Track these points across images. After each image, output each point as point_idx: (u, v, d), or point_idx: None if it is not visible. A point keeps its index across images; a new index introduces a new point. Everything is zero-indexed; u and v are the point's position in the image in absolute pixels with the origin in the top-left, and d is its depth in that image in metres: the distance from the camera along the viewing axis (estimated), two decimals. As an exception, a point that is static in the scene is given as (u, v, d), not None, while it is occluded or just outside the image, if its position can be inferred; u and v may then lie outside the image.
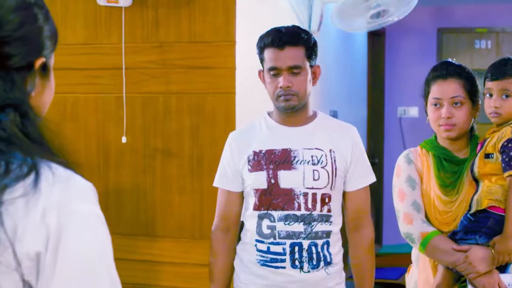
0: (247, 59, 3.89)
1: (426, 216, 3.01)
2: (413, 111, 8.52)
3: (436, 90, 3.01)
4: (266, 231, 2.95)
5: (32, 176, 1.22)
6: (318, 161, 2.95)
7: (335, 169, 2.96)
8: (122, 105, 3.98)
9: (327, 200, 2.95)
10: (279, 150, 2.97)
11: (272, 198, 2.94)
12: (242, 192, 3.07)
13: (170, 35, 3.93)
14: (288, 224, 2.91)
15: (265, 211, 2.95)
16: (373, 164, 3.58)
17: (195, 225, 3.93)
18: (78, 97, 4.09)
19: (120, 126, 3.99)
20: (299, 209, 2.92)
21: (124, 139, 3.95)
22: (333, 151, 2.98)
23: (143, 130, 3.99)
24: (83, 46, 4.07)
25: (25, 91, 1.30)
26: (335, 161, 2.97)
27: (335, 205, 2.99)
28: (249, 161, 3.00)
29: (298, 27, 3.03)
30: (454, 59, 3.15)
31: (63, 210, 1.22)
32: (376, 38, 8.57)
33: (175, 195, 3.96)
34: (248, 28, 3.96)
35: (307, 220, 2.92)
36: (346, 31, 5.59)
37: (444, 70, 3.03)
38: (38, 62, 1.35)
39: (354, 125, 3.15)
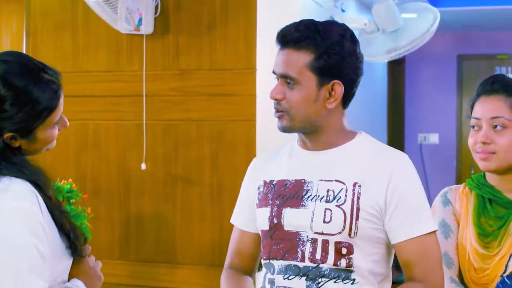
0: (268, 87, 3.86)
1: (460, 273, 2.34)
2: (434, 138, 8.50)
3: (477, 108, 2.33)
4: (267, 286, 2.23)
5: None
6: (334, 198, 2.15)
7: (357, 209, 2.13)
8: (142, 132, 4.00)
9: (344, 251, 2.14)
10: (291, 181, 2.22)
11: (273, 243, 2.21)
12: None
13: (191, 63, 3.95)
14: (287, 278, 2.17)
15: (267, 260, 2.23)
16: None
17: (215, 252, 3.92)
18: (99, 124, 4.12)
19: (140, 153, 4.00)
20: (302, 259, 2.15)
21: (143, 166, 3.96)
22: (359, 186, 2.15)
23: (164, 158, 4.00)
24: (105, 73, 4.11)
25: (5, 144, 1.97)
26: (358, 198, 2.13)
27: (364, 259, 2.16)
28: (259, 193, 2.30)
29: (329, 22, 2.22)
30: (510, 74, 2.48)
31: None
32: (396, 65, 8.57)
33: (195, 223, 3.96)
34: (269, 56, 3.95)
35: (311, 274, 2.14)
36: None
37: (489, 85, 2.33)
38: (6, 135, 1.98)
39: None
